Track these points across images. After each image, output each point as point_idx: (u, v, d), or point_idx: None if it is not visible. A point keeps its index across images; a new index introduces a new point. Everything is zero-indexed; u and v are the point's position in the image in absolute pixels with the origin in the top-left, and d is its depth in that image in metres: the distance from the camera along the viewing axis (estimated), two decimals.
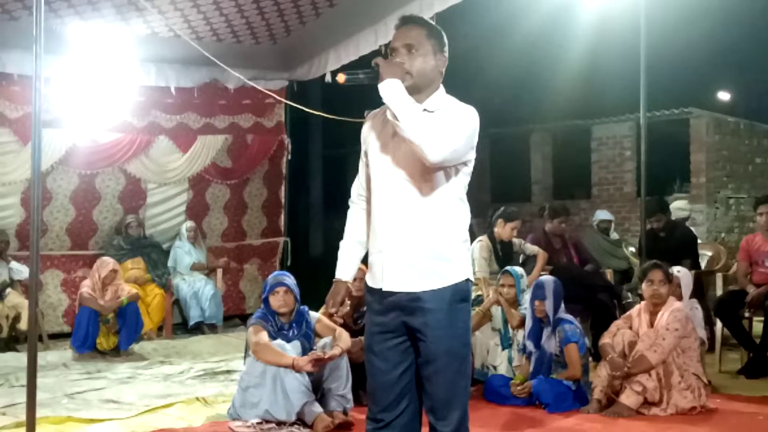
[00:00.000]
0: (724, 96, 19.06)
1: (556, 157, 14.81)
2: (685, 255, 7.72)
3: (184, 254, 9.65)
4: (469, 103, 3.25)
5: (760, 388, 6.20)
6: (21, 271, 8.27)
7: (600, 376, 5.55)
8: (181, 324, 9.50)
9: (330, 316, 4.65)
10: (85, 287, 7.89)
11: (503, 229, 7.40)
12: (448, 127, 3.06)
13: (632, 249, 9.76)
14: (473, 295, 6.64)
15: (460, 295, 3.17)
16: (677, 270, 6.11)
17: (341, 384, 5.20)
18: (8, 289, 8.16)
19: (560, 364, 5.72)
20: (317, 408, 5.05)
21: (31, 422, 4.34)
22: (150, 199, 9.88)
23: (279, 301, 5.32)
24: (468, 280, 3.21)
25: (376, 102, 3.18)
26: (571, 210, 8.94)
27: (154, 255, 9.46)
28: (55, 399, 5.94)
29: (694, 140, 12.75)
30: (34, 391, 4.36)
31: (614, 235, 9.95)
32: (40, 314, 8.20)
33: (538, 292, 5.85)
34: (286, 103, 10.15)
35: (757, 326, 6.95)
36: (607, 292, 7.51)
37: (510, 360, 6.13)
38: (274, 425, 5.03)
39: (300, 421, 5.05)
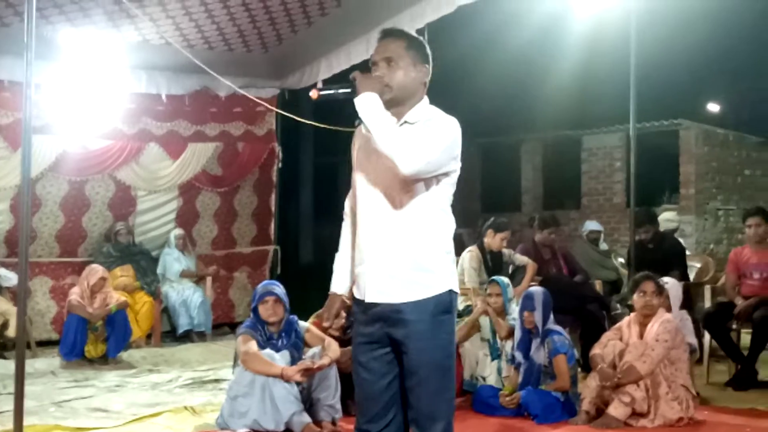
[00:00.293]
0: (713, 108, 19.14)
1: (547, 167, 14.87)
2: (674, 266, 7.73)
3: (173, 261, 9.63)
4: (460, 113, 3.26)
5: (747, 400, 6.21)
6: (9, 277, 8.23)
7: (589, 387, 5.55)
8: (170, 332, 9.47)
9: (325, 329, 4.65)
10: (74, 294, 7.85)
11: (493, 240, 7.42)
12: (423, 139, 3.06)
13: (621, 260, 9.78)
14: (463, 306, 6.71)
15: (442, 306, 3.15)
16: (666, 281, 6.13)
17: (330, 394, 5.20)
18: None
19: (549, 375, 5.72)
20: (306, 418, 5.04)
21: (18, 430, 4.32)
22: (140, 207, 9.86)
23: (268, 310, 5.31)
24: (451, 291, 3.19)
25: None
26: (560, 220, 8.97)
27: (143, 262, 9.44)
28: (42, 407, 5.90)
29: (684, 151, 12.83)
30: (21, 399, 4.35)
31: (603, 246, 9.98)
32: (29, 321, 8.17)
33: (527, 303, 5.86)
34: (277, 112, 10.16)
35: (745, 338, 6.96)
36: (596, 303, 7.52)
37: (499, 371, 6.13)
38: None
39: (288, 431, 5.03)
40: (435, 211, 3.17)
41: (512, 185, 14.88)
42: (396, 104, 3.17)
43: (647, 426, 5.34)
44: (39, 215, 9.09)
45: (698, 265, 8.83)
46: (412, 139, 3.05)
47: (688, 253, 8.87)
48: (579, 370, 6.14)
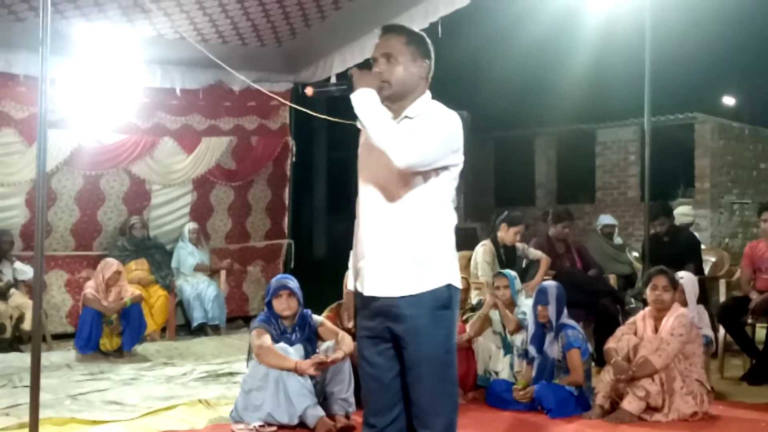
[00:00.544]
0: (728, 101, 19.04)
1: (561, 161, 14.82)
2: (689, 260, 7.71)
3: (187, 255, 9.66)
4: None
5: (762, 394, 6.19)
6: (25, 271, 8.29)
7: (603, 382, 5.54)
8: (184, 325, 9.50)
9: (350, 330, 4.67)
10: (89, 288, 7.89)
11: (506, 234, 7.41)
12: (419, 132, 3.08)
13: (635, 254, 9.75)
14: (476, 300, 6.69)
15: (441, 301, 3.14)
16: (681, 276, 6.08)
17: (344, 387, 5.21)
18: (12, 290, 8.17)
19: (563, 370, 5.71)
20: (319, 411, 5.05)
21: (34, 423, 4.35)
22: (154, 201, 9.90)
23: (282, 304, 5.32)
24: (450, 286, 3.18)
25: None
26: (574, 214, 8.94)
27: (157, 256, 9.48)
28: (58, 400, 5.94)
29: (699, 145, 12.77)
30: (37, 392, 4.37)
31: (618, 240, 9.95)
32: (44, 315, 8.22)
33: (541, 297, 5.85)
34: (290, 106, 10.17)
35: (760, 333, 6.95)
36: (610, 298, 7.49)
37: (512, 366, 6.12)
38: (276, 428, 5.04)
39: (302, 424, 5.05)
40: (434, 205, 3.17)
41: (526, 179, 14.83)
42: (397, 100, 3.20)
43: (661, 420, 5.32)
44: (54, 209, 9.13)
45: (713, 260, 8.80)
46: (408, 133, 3.07)
47: (703, 247, 8.83)
48: (593, 364, 6.12)
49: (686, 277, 6.18)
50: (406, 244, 3.14)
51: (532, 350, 5.89)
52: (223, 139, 10.15)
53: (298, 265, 10.66)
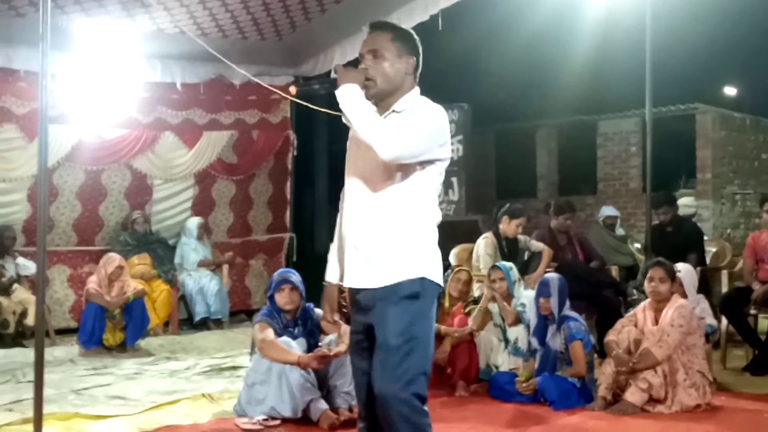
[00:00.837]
0: (730, 91, 19.01)
1: (562, 152, 14.81)
2: (692, 251, 7.71)
3: (191, 251, 9.66)
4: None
5: (765, 385, 6.19)
6: (28, 266, 8.30)
7: (605, 374, 5.54)
8: (187, 320, 9.52)
9: (333, 323, 4.67)
10: (92, 283, 7.90)
11: (508, 226, 7.41)
12: (404, 125, 3.10)
13: (637, 245, 9.75)
14: (478, 293, 6.69)
15: (410, 291, 3.13)
16: (678, 269, 6.06)
17: (347, 381, 5.20)
18: (15, 285, 8.18)
19: (565, 362, 5.71)
20: (323, 405, 5.06)
21: (38, 418, 4.36)
22: (156, 195, 9.91)
23: (284, 298, 5.33)
24: (424, 278, 3.16)
25: None
26: (576, 206, 8.93)
27: (160, 251, 9.48)
28: (61, 395, 5.95)
29: (700, 136, 12.75)
30: (41, 387, 4.38)
31: (620, 231, 9.94)
32: (47, 310, 8.23)
33: (543, 289, 5.85)
34: (291, 100, 10.16)
35: (763, 323, 6.96)
36: (612, 289, 7.50)
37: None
38: (279, 422, 5.05)
39: (306, 417, 5.06)
40: (415, 199, 3.18)
41: (527, 171, 14.82)
42: (383, 96, 3.23)
43: (664, 412, 5.33)
44: (56, 204, 9.14)
45: (714, 250, 8.78)
46: (393, 125, 3.10)
47: (705, 238, 8.82)
48: (595, 356, 6.13)
49: (684, 269, 6.17)
50: (384, 237, 3.16)
51: (535, 342, 5.89)
52: (224, 133, 10.16)
53: (300, 259, 10.66)
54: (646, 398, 5.36)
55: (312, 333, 5.43)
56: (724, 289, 7.63)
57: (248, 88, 9.91)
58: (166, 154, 9.81)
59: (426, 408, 3.16)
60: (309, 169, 11.91)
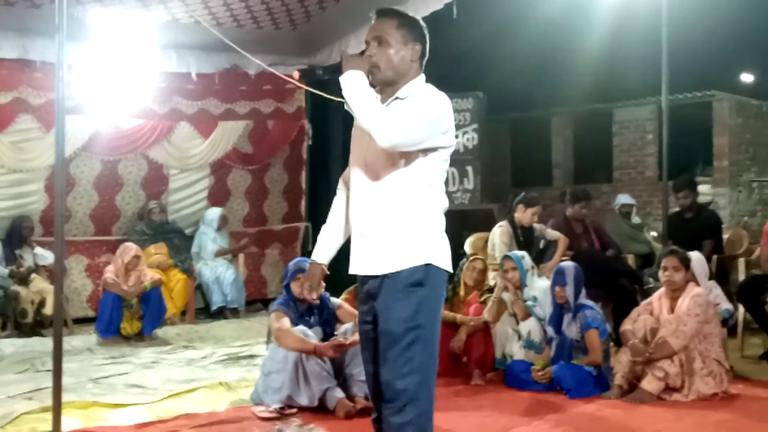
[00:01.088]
0: (747, 78, 18.84)
1: (577, 141, 14.74)
2: (709, 238, 7.66)
3: (209, 241, 9.70)
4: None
5: None
6: (45, 256, 8.37)
7: (621, 362, 5.54)
8: (204, 309, 9.57)
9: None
10: (109, 273, 7.95)
11: (524, 215, 7.40)
12: (404, 112, 3.08)
13: (653, 233, 9.71)
14: (494, 281, 6.69)
15: (415, 279, 3.10)
16: (689, 256, 6.00)
17: (362, 369, 5.21)
18: (33, 275, 8.25)
19: (581, 350, 5.71)
20: (339, 393, 5.08)
21: (57, 407, 4.40)
22: (172, 185, 9.95)
23: (300, 287, 5.34)
24: (429, 265, 3.13)
25: None
26: (592, 194, 8.89)
27: (176, 240, 9.53)
28: (80, 384, 5.99)
29: (717, 123, 12.66)
30: (59, 376, 4.42)
31: (636, 220, 9.91)
32: (65, 299, 8.28)
33: (559, 277, 5.85)
34: (306, 89, 10.16)
35: None
36: (628, 277, 7.47)
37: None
38: (296, 410, 5.07)
39: (322, 406, 5.07)
40: (420, 186, 3.16)
41: (543, 159, 14.76)
42: (388, 83, 3.21)
43: (681, 400, 5.32)
44: (73, 195, 9.19)
45: (727, 237, 8.72)
46: (392, 113, 3.08)
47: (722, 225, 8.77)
48: (611, 344, 6.12)
49: (694, 257, 6.09)
50: (389, 224, 3.15)
51: (551, 331, 5.89)
52: (239, 123, 10.18)
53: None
54: (662, 387, 5.35)
55: (328, 322, 5.44)
56: (741, 277, 7.58)
57: (263, 77, 9.94)
58: (181, 144, 9.85)
59: (427, 402, 3.13)
60: (324, 158, 11.90)
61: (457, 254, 7.19)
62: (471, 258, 6.64)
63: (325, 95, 9.57)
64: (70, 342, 7.54)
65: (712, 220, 8.17)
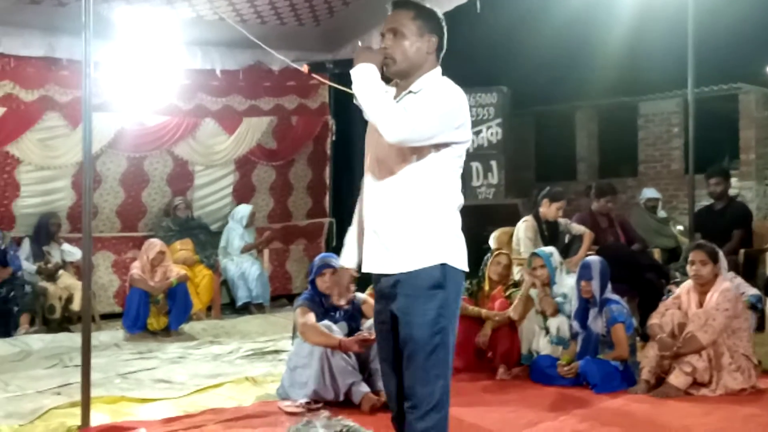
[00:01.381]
0: None
1: (602, 134, 14.66)
2: (739, 228, 7.59)
3: (236, 237, 9.74)
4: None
5: None
6: (73, 252, 8.45)
7: (648, 357, 5.51)
8: (229, 304, 9.61)
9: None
10: (135, 269, 8.01)
11: (549, 209, 7.37)
12: (413, 107, 3.01)
13: (680, 227, 9.65)
14: (519, 276, 6.67)
15: (433, 280, 3.06)
16: None
17: None
18: (61, 271, 8.33)
19: (607, 345, 5.68)
20: (364, 388, 5.09)
21: (85, 402, 4.45)
22: (197, 181, 10.00)
23: (326, 282, 5.36)
24: (444, 265, 3.08)
25: None
26: (617, 188, 8.85)
27: (202, 236, 9.57)
28: (108, 379, 6.05)
29: (743, 116, 12.56)
30: (88, 371, 4.47)
31: (662, 214, 9.85)
32: (92, 295, 8.35)
33: (585, 272, 5.82)
34: (329, 85, 10.17)
35: None
36: (654, 272, 7.43)
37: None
38: (322, 405, 5.09)
39: (348, 400, 5.09)
40: (432, 183, 3.10)
41: (567, 154, 14.69)
42: (404, 75, 3.16)
43: (708, 395, 5.29)
44: (100, 191, 9.25)
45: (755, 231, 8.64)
46: (401, 108, 3.01)
47: None
48: (638, 339, 6.09)
49: None
50: (402, 222, 3.10)
51: (576, 325, 5.87)
52: (263, 119, 10.21)
53: (339, 244, 10.60)
54: (690, 381, 5.32)
55: (353, 317, 5.46)
56: None
57: (287, 73, 9.97)
58: (206, 140, 9.89)
59: (447, 404, 3.13)
60: (348, 153, 11.89)
61: (482, 249, 7.19)
62: (495, 253, 6.63)
63: (348, 90, 9.56)
64: (97, 337, 7.58)
65: (742, 211, 8.11)
